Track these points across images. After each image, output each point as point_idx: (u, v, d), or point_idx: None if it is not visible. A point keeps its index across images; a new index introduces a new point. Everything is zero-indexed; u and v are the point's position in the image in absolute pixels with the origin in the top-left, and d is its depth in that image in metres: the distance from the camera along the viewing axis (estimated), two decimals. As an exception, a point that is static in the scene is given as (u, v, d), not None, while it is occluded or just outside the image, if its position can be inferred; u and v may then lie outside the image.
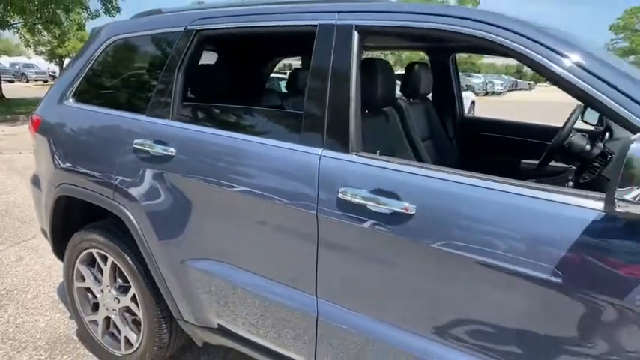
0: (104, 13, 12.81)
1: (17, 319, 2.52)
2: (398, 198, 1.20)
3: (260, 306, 1.55)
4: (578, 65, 1.08)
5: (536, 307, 1.05)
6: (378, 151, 1.41)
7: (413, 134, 2.16)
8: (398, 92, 2.37)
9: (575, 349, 1.02)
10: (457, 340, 1.18)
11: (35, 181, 2.37)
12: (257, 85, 2.04)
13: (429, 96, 2.68)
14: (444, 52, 2.65)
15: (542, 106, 20.87)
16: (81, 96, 2.13)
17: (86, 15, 12.89)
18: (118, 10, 13.09)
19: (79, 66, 2.17)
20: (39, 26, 11.82)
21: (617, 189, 0.82)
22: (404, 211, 1.18)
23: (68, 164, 2.03)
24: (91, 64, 2.11)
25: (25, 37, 14.26)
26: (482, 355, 1.14)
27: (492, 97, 30.85)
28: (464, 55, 36.61)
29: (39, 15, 11.22)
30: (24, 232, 3.79)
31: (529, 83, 56.57)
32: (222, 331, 1.75)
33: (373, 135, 1.80)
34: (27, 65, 30.42)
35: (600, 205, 0.95)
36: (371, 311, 1.31)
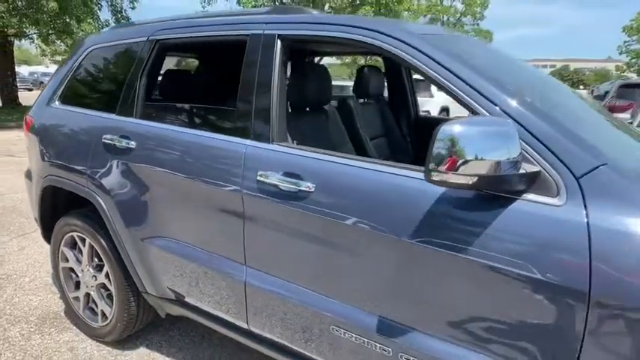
0: (114, 22, 13.34)
1: (14, 299, 2.81)
2: (302, 178, 1.44)
3: (203, 276, 1.80)
4: (441, 65, 1.30)
5: (395, 257, 1.27)
6: (294, 141, 1.66)
7: (360, 131, 2.40)
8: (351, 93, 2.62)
9: (411, 291, 1.24)
10: (349, 298, 1.41)
11: (28, 175, 2.67)
12: (210, 86, 2.31)
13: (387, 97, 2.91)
14: None
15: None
16: (65, 98, 2.42)
17: (97, 25, 13.43)
18: (128, 20, 13.61)
19: (64, 71, 2.46)
20: (52, 36, 12.38)
21: (430, 162, 1.04)
22: (306, 189, 1.42)
23: (53, 158, 2.32)
24: (73, 70, 2.41)
25: (40, 47, 14.90)
26: (369, 307, 1.37)
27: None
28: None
29: (52, 26, 11.76)
30: (27, 226, 4.12)
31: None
32: (178, 301, 2.01)
33: (313, 129, 2.04)
34: (45, 74, 31.51)
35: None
36: (287, 275, 1.55)
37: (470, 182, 1.04)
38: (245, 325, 1.74)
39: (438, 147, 1.03)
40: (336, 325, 1.43)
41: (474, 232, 1.15)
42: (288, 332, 1.60)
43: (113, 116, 2.10)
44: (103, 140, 2.04)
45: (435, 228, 1.20)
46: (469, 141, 1.04)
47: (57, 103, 2.44)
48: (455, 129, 1.04)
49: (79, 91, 2.39)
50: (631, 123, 5.41)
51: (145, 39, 2.07)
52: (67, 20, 12.50)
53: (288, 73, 1.94)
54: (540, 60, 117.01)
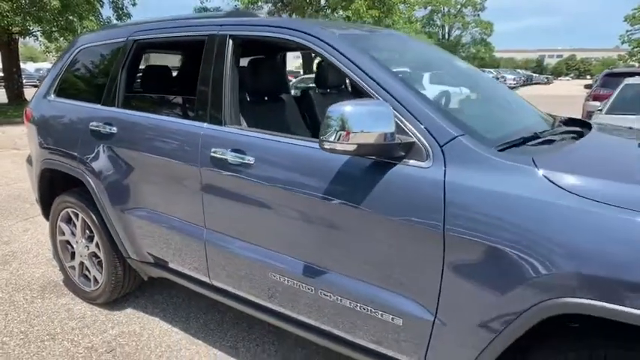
0: (116, 19, 13.68)
1: (19, 271, 3.18)
2: (245, 153, 1.77)
3: (173, 239, 2.14)
4: (349, 59, 1.61)
5: (311, 213, 1.60)
6: (244, 124, 1.98)
7: (318, 117, 2.71)
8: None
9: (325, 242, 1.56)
10: (281, 248, 1.74)
11: (29, 160, 3.03)
12: (178, 79, 2.63)
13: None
14: None
15: (543, 99, 20.92)
16: (59, 92, 2.76)
17: (99, 22, 13.77)
18: (129, 17, 13.95)
19: (58, 67, 2.80)
20: (56, 34, 12.75)
21: (322, 135, 1.36)
22: (248, 161, 1.75)
23: (49, 144, 2.67)
24: (66, 67, 2.75)
25: (44, 44, 15.30)
26: (296, 255, 1.70)
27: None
28: (472, 50, 36.83)
29: (55, 23, 12.13)
30: (32, 211, 4.49)
31: (547, 77, 55.55)
32: (156, 264, 2.35)
33: (269, 115, 2.36)
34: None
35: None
36: (236, 234, 1.88)
37: (352, 149, 1.35)
38: (208, 280, 2.08)
39: (328, 123, 1.35)
40: (273, 272, 1.76)
41: (367, 190, 1.47)
42: (239, 282, 1.94)
43: (99, 106, 2.43)
44: (90, 127, 2.38)
45: (337, 188, 1.52)
46: (354, 118, 1.35)
47: (52, 96, 2.78)
48: (345, 109, 1.36)
49: (71, 85, 2.72)
50: (600, 110, 5.66)
51: (124, 39, 2.40)
52: (70, 18, 12.86)
53: (250, 68, 2.26)
54: (546, 50, 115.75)
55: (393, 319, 1.50)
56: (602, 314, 1.12)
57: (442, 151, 1.39)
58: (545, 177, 1.26)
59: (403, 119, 1.46)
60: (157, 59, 2.85)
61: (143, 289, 2.86)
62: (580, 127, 1.96)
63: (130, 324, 2.54)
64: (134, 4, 15.79)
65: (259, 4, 16.88)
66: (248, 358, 2.24)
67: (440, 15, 33.38)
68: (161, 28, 2.27)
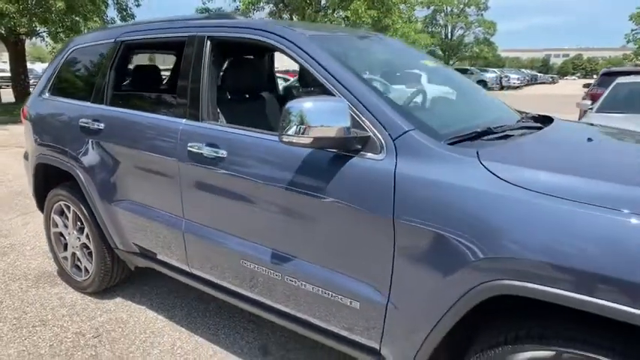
0: (120, 20, 13.86)
1: (16, 262, 3.31)
2: (219, 147, 1.87)
3: (155, 230, 2.25)
4: (314, 59, 1.71)
5: (276, 202, 1.70)
6: (223, 120, 2.09)
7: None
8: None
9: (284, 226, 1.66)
10: (251, 236, 1.84)
11: (25, 156, 3.15)
12: (162, 78, 2.74)
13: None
14: None
15: (547, 98, 20.85)
16: (54, 90, 2.88)
17: (103, 23, 13.97)
18: (133, 17, 14.14)
19: (52, 67, 2.93)
20: (61, 34, 12.95)
21: (281, 129, 1.46)
22: (221, 155, 1.86)
23: (43, 140, 2.79)
24: (59, 67, 2.87)
25: (50, 45, 15.53)
26: (263, 243, 1.80)
27: (507, 92, 30.67)
28: (475, 50, 36.73)
29: (60, 24, 12.33)
30: (32, 206, 4.56)
31: (552, 77, 55.17)
32: (141, 254, 2.46)
33: (249, 112, 2.46)
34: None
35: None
36: (211, 224, 1.99)
37: (308, 142, 1.45)
38: (187, 269, 2.19)
39: (288, 118, 1.45)
40: (244, 259, 1.87)
41: (326, 181, 1.56)
42: (214, 270, 2.04)
43: (88, 104, 2.55)
44: (80, 124, 2.50)
45: (298, 179, 1.62)
46: (313, 114, 1.45)
47: (47, 94, 2.90)
48: (305, 105, 1.46)
49: (63, 84, 2.85)
50: (591, 109, 5.71)
51: (113, 40, 2.51)
52: (75, 18, 13.06)
53: (229, 68, 2.37)
54: (552, 49, 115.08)
55: (351, 302, 1.59)
56: (532, 295, 1.21)
57: (394, 144, 1.48)
58: (486, 168, 1.35)
59: (360, 115, 1.55)
60: (145, 59, 2.98)
61: (132, 280, 2.98)
62: (543, 123, 2.05)
63: (117, 312, 2.66)
64: (138, 5, 16.00)
65: (260, 4, 17.03)
66: (227, 344, 2.35)
67: (443, 14, 33.38)
68: (146, 29, 2.39)
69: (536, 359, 1.25)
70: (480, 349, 1.37)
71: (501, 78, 33.26)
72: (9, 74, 15.70)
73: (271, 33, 1.84)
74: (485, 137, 1.64)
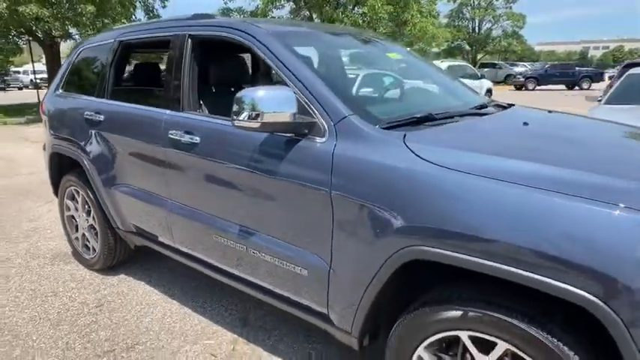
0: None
1: (37, 244, 3.68)
2: (193, 134, 2.10)
3: (148, 210, 2.50)
4: (273, 54, 1.90)
5: (238, 181, 1.91)
6: (206, 111, 2.31)
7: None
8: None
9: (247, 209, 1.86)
10: (221, 213, 2.06)
11: (44, 147, 3.50)
12: (154, 74, 2.99)
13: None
14: None
15: (572, 92, 20.06)
16: (66, 87, 3.20)
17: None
18: (159, 18, 14.69)
19: (65, 66, 3.25)
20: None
21: (233, 115, 1.66)
22: (195, 141, 2.08)
23: (56, 131, 3.11)
24: (71, 65, 3.18)
25: (83, 47, 16.37)
26: (232, 219, 2.01)
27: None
28: (503, 44, 35.74)
29: (92, 27, 13.00)
30: (56, 195, 5.05)
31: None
32: (138, 233, 2.73)
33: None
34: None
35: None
36: (190, 203, 2.22)
37: (257, 126, 1.64)
38: (173, 244, 2.44)
39: (240, 105, 1.65)
40: (216, 234, 2.09)
41: (279, 161, 1.75)
42: (194, 244, 2.28)
43: (93, 98, 2.84)
44: (85, 116, 2.79)
45: (255, 160, 1.82)
46: (264, 101, 1.64)
47: (60, 90, 3.23)
48: (256, 94, 1.65)
49: (74, 81, 3.16)
50: (599, 101, 5.62)
51: (113, 40, 2.79)
52: (105, 21, 13.73)
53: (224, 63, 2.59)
54: (590, 41, 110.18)
55: (301, 270, 1.78)
56: (440, 260, 1.36)
57: (335, 128, 1.66)
58: (409, 148, 1.51)
59: (309, 102, 1.73)
60: (142, 57, 3.25)
61: (136, 260, 3.27)
62: (503, 109, 2.17)
63: (119, 286, 2.95)
64: (164, 6, 16.60)
65: (281, 2, 17.28)
66: (212, 315, 2.58)
67: (469, 8, 32.71)
68: (140, 30, 2.65)
69: (448, 319, 1.41)
70: (408, 311, 1.53)
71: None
72: (46, 75, 16.65)
73: (238, 30, 2.04)
74: (427, 122, 1.79)
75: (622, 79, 5.69)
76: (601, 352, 1.23)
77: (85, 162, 2.80)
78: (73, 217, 3.24)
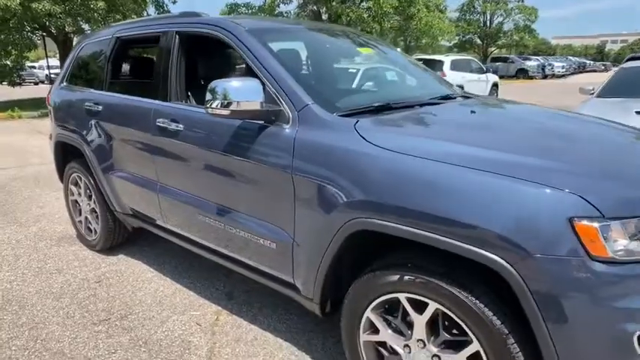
0: (156, 17, 14.73)
1: (45, 227, 3.95)
2: (178, 122, 2.30)
3: (139, 192, 2.73)
4: (249, 50, 2.09)
5: (216, 164, 2.11)
6: (193, 101, 2.52)
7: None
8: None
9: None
10: (203, 194, 2.26)
11: (50, 137, 3.75)
12: (148, 67, 3.19)
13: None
14: None
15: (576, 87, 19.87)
16: (69, 80, 3.44)
17: (141, 20, 14.91)
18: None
19: (69, 60, 3.49)
20: (103, 32, 14.00)
21: (207, 103, 1.86)
22: (178, 128, 2.29)
23: (60, 121, 3.35)
24: (74, 60, 3.42)
25: (95, 42, 16.76)
26: (210, 198, 2.22)
27: (548, 81, 29.48)
28: (515, 38, 35.34)
29: (103, 22, 13.32)
30: (65, 184, 5.33)
31: (604, 64, 51.78)
32: (133, 215, 2.96)
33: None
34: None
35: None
36: (176, 185, 2.43)
37: (228, 114, 1.84)
38: (163, 224, 2.66)
39: (213, 94, 1.84)
40: (199, 213, 2.30)
41: (250, 146, 1.95)
42: (181, 223, 2.49)
43: (92, 90, 3.07)
44: (85, 107, 3.02)
45: (230, 145, 2.02)
46: (235, 91, 1.84)
47: (64, 83, 3.47)
48: (228, 84, 1.85)
49: (76, 74, 3.39)
50: (592, 94, 5.69)
51: (110, 36, 3.01)
52: (116, 17, 14.05)
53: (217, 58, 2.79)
54: (608, 35, 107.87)
55: (270, 244, 1.98)
56: (379, 229, 1.54)
57: (298, 115, 1.85)
58: (359, 133, 1.69)
59: (276, 93, 1.92)
60: (137, 51, 3.48)
61: (134, 242, 3.51)
62: (466, 99, 2.33)
63: (118, 264, 3.19)
64: (174, 2, 16.87)
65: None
66: (201, 290, 2.81)
67: (480, 1, 32.39)
68: (135, 26, 2.87)
69: (388, 282, 1.60)
70: (358, 276, 1.72)
71: (544, 66, 31.93)
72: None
73: (218, 27, 2.24)
74: (385, 111, 1.97)
75: (615, 72, 5.75)
76: (510, 309, 1.40)
77: (86, 149, 3.03)
78: (76, 201, 3.49)
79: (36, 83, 31.48)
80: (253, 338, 2.33)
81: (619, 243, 1.27)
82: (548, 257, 1.26)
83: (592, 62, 47.98)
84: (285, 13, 18.12)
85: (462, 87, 10.37)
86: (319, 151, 1.73)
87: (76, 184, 3.42)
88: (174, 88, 2.45)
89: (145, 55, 3.26)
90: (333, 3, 15.61)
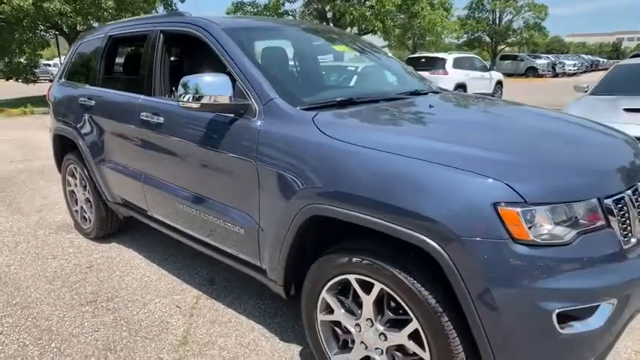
0: (164, 15, 14.98)
1: (46, 217, 4.14)
2: (159, 115, 2.44)
3: (128, 183, 2.88)
4: (223, 48, 2.21)
5: (190, 154, 2.24)
6: (174, 95, 2.65)
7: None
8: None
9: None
10: (179, 182, 2.40)
11: (50, 131, 3.93)
12: (136, 64, 3.33)
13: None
14: None
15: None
16: (67, 77, 3.61)
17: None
18: (176, 12, 15.20)
19: (67, 58, 3.66)
20: (113, 30, 14.30)
21: (179, 97, 1.99)
22: (159, 121, 2.43)
23: (58, 116, 3.53)
24: (71, 57, 3.59)
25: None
26: (186, 186, 2.35)
27: (559, 79, 29.10)
28: (525, 36, 34.95)
29: (113, 21, 13.60)
30: (69, 177, 5.53)
31: (618, 62, 50.72)
32: (123, 204, 3.12)
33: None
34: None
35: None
36: (158, 175, 2.57)
37: (198, 107, 1.97)
38: (149, 213, 2.81)
39: (185, 89, 1.97)
40: (177, 202, 2.44)
41: (221, 137, 2.07)
42: (163, 212, 2.64)
43: (87, 86, 3.23)
44: (79, 102, 3.18)
45: (203, 136, 2.15)
46: (206, 86, 1.96)
47: (62, 80, 3.64)
48: (200, 79, 1.97)
49: (73, 71, 3.56)
50: (586, 92, 5.71)
51: (104, 35, 3.16)
52: (126, 15, 14.32)
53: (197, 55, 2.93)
54: (624, 32, 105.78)
55: (239, 229, 2.11)
56: (329, 214, 1.66)
57: (263, 108, 1.97)
58: (316, 125, 1.80)
59: (246, 88, 2.05)
60: (128, 49, 3.64)
61: (126, 231, 3.67)
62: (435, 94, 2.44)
63: (109, 252, 3.35)
64: (183, 1, 17.09)
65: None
66: (185, 276, 2.95)
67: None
68: (126, 26, 3.02)
69: (339, 264, 1.71)
70: (316, 258, 1.84)
71: (554, 64, 31.54)
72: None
73: (196, 25, 2.37)
74: (349, 105, 2.08)
75: (609, 70, 5.75)
76: (443, 290, 1.50)
77: (80, 142, 3.20)
78: (73, 191, 3.67)
79: (50, 80, 32.02)
80: (228, 320, 2.47)
81: (543, 227, 1.37)
82: (474, 240, 1.36)
83: (605, 60, 47.13)
84: (291, 11, 18.26)
85: (463, 85, 10.23)
86: (280, 141, 1.85)
87: (73, 175, 3.60)
88: (158, 84, 2.59)
89: (133, 53, 3.40)
90: (337, 1, 15.70)
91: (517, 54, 32.52)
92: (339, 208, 1.62)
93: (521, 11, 32.90)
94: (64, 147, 3.65)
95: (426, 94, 2.55)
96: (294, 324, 2.41)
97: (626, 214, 1.50)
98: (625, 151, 1.78)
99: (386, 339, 1.66)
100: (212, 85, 1.97)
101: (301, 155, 1.77)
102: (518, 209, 1.34)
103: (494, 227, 1.35)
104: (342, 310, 1.79)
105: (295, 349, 2.22)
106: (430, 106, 2.12)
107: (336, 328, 1.87)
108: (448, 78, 11.15)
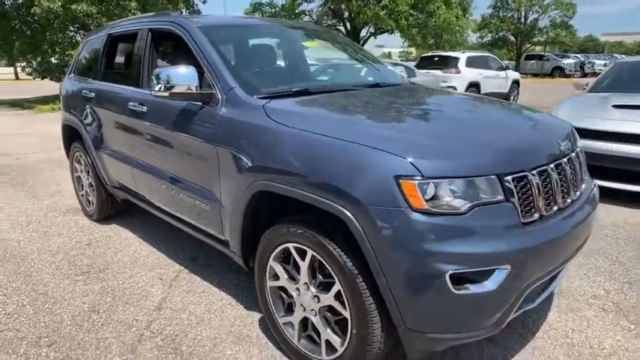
0: (186, 16, 15.53)
1: (58, 201, 4.52)
2: (143, 105, 2.73)
3: (122, 168, 3.18)
4: (197, 45, 2.47)
5: (169, 140, 2.50)
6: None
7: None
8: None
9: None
10: (163, 166, 2.67)
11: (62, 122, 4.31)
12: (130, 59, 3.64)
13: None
14: None
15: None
16: (76, 72, 3.96)
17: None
18: (199, 13, 15.69)
19: (76, 55, 4.01)
20: (137, 31, 14.95)
21: (152, 86, 2.25)
22: (143, 110, 2.71)
23: (67, 107, 3.89)
24: (79, 54, 3.94)
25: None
26: (167, 169, 2.62)
27: (590, 79, 28.26)
28: (551, 35, 34.05)
29: (136, 22, 14.23)
30: (84, 167, 5.94)
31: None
32: (120, 188, 3.43)
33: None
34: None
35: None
36: (144, 158, 2.86)
37: (167, 95, 2.23)
38: (138, 194, 3.10)
39: (157, 79, 2.24)
40: (162, 184, 2.71)
41: (189, 122, 2.33)
42: (149, 192, 2.92)
43: (90, 80, 3.57)
44: (82, 94, 3.52)
45: (175, 122, 2.41)
46: (176, 77, 2.22)
47: (72, 75, 4.00)
48: (171, 71, 2.24)
49: (80, 67, 3.91)
50: (584, 89, 5.71)
51: (104, 34, 3.49)
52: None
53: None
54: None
55: (205, 206, 2.36)
56: (273, 190, 1.88)
57: (225, 97, 2.21)
58: (265, 112, 2.03)
59: (212, 78, 2.29)
60: (125, 46, 3.98)
61: (123, 215, 3.99)
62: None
63: (109, 231, 3.68)
64: (204, 2, 17.63)
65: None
66: (171, 254, 3.23)
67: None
68: (122, 25, 3.33)
69: (280, 234, 1.93)
70: (266, 229, 2.06)
71: (583, 64, 30.64)
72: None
73: (176, 23, 2.64)
74: (304, 95, 2.30)
75: (608, 68, 5.74)
76: (358, 253, 1.68)
77: (82, 131, 3.53)
78: (79, 177, 4.02)
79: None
80: (202, 291, 2.73)
81: (440, 198, 1.55)
82: (379, 208, 1.55)
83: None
84: (308, 11, 18.63)
85: (477, 84, 10.18)
86: (235, 125, 2.09)
87: (79, 162, 3.95)
88: (146, 77, 2.88)
89: (127, 49, 3.71)
90: (352, 1, 15.87)
91: (542, 53, 31.76)
92: (278, 183, 1.84)
93: (547, 10, 32.15)
94: (71, 136, 4.01)
95: (384, 86, 2.74)
96: (259, 295, 2.64)
97: (529, 192, 1.66)
98: (540, 134, 1.94)
99: (319, 300, 1.87)
100: (180, 76, 2.22)
101: (251, 137, 2.00)
102: (415, 182, 1.53)
103: (395, 197, 1.54)
104: (286, 276, 2.01)
105: (256, 315, 2.46)
106: (373, 96, 2.31)
107: (282, 293, 2.09)
108: (461, 77, 11.07)
